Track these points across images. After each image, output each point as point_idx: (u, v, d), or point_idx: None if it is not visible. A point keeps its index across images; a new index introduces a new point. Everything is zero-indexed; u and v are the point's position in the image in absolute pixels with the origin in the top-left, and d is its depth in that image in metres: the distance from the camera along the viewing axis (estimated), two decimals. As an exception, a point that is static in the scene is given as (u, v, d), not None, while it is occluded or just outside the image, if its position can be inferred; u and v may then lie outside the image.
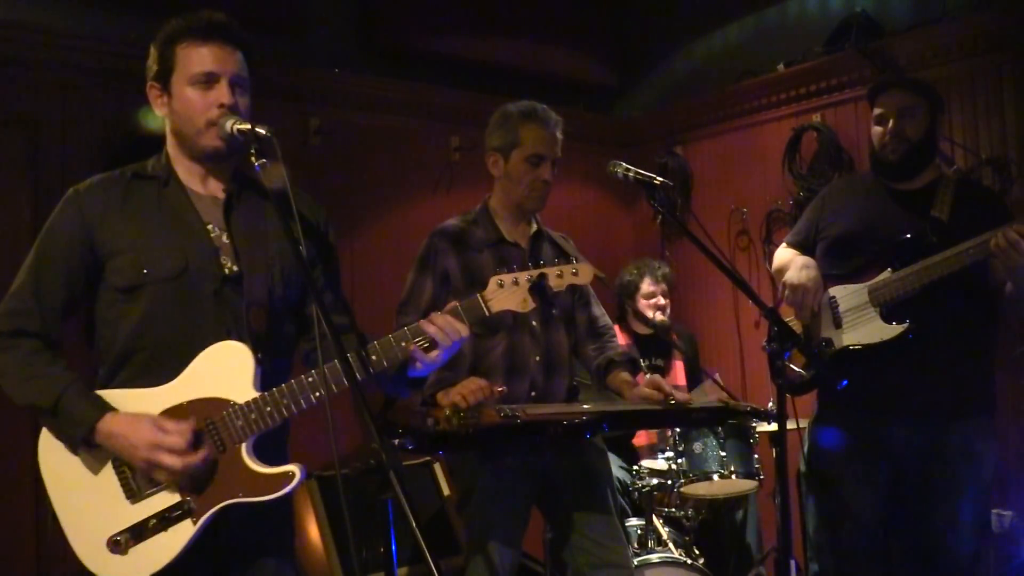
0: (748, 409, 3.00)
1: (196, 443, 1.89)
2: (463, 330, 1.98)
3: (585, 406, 2.72)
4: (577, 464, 2.82)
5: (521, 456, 2.74)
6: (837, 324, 2.95)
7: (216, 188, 2.09)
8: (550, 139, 2.83)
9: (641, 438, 4.33)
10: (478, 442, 2.58)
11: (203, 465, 1.89)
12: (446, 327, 1.96)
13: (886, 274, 2.87)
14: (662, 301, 4.44)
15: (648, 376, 2.83)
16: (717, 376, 4.26)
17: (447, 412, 2.48)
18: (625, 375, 2.89)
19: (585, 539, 2.78)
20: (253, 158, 1.91)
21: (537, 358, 2.82)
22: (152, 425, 1.87)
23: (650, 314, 4.37)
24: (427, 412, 2.59)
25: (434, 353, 1.98)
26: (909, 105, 2.92)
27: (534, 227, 2.93)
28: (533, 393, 2.81)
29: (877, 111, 2.98)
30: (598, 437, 2.92)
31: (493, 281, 2.00)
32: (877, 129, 2.97)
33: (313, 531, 3.61)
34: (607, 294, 4.19)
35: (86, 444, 1.92)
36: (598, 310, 3.05)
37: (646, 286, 4.43)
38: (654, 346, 4.52)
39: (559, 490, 2.80)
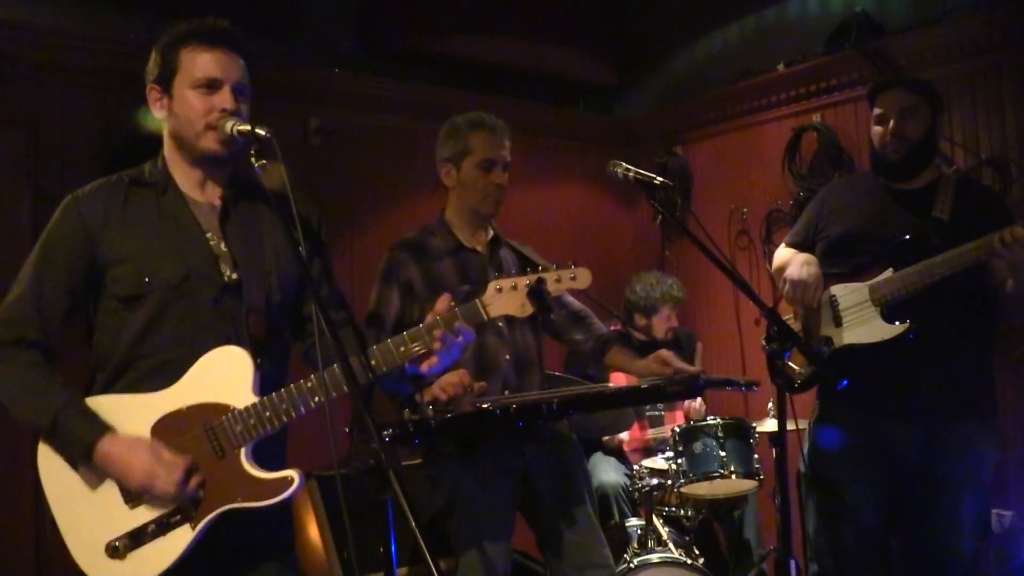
0: (722, 379, 3.03)
1: (191, 470, 1.89)
2: (470, 331, 1.98)
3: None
4: (555, 465, 2.83)
5: (501, 459, 2.74)
6: (837, 322, 2.94)
7: (213, 195, 2.09)
8: (498, 144, 2.88)
9: (633, 443, 4.33)
10: (453, 431, 2.62)
11: (196, 493, 1.90)
12: (447, 333, 1.96)
13: (887, 273, 2.86)
14: (675, 322, 4.54)
15: (659, 351, 2.84)
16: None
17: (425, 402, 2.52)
18: (626, 350, 2.95)
19: (566, 541, 2.79)
20: (253, 159, 1.91)
21: (507, 356, 2.84)
22: (149, 453, 1.88)
23: (660, 334, 4.45)
24: (403, 405, 2.61)
25: (435, 359, 1.98)
26: (910, 105, 2.91)
27: (491, 233, 2.96)
28: (507, 392, 2.82)
29: (877, 111, 2.97)
30: (574, 437, 2.95)
31: (491, 286, 1.99)
32: (877, 129, 2.97)
33: (313, 531, 3.61)
34: (602, 294, 4.20)
35: (85, 461, 1.92)
36: (568, 296, 3.05)
37: (666, 311, 4.47)
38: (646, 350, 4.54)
39: (539, 493, 2.81)
